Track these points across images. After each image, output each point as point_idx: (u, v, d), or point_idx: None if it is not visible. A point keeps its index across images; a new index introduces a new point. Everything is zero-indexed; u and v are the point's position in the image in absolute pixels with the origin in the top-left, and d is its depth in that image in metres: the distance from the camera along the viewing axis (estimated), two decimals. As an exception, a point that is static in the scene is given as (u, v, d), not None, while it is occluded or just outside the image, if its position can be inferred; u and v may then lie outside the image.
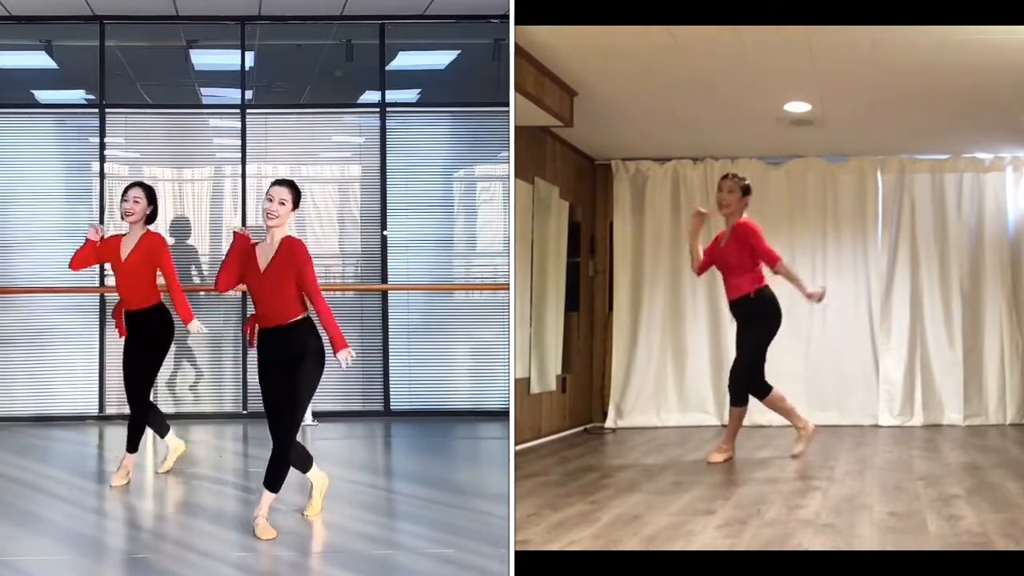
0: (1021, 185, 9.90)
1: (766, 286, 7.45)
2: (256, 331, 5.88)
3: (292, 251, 5.77)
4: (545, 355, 8.94)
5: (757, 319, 7.43)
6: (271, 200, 5.80)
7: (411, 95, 10.62)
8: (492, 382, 10.26)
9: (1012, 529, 5.20)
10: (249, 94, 10.27)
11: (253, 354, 10.02)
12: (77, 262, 7.10)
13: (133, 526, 6.29)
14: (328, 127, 10.49)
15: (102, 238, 7.04)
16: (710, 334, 9.96)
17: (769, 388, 7.52)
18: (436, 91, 10.63)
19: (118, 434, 9.43)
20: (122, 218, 7.07)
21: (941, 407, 9.77)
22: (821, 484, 6.57)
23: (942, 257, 9.88)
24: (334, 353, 5.72)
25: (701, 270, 7.69)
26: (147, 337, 7.06)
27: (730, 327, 9.85)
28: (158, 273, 7.07)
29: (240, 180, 10.19)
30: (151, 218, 7.08)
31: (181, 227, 10.11)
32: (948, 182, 9.91)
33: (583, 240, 9.99)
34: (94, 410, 9.99)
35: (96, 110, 10.12)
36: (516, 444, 7.93)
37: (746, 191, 7.43)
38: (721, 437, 7.84)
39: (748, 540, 5.01)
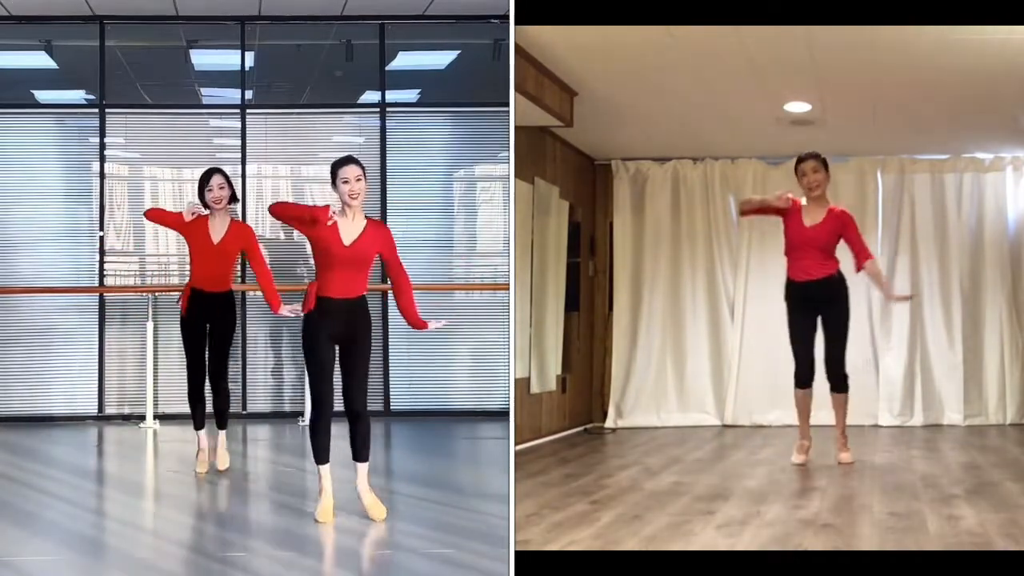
0: (1021, 185, 9.89)
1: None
2: (316, 298, 5.99)
3: (380, 233, 6.01)
4: (545, 355, 8.94)
5: (845, 298, 7.24)
6: (347, 181, 5.90)
7: (411, 95, 10.63)
8: (492, 382, 10.27)
9: (1012, 529, 5.20)
10: (249, 94, 10.28)
11: (253, 354, 10.17)
12: (156, 216, 7.43)
13: (133, 526, 6.28)
14: (328, 127, 10.49)
15: (194, 216, 7.20)
16: (710, 334, 9.95)
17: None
18: (436, 91, 10.64)
19: (117, 434, 9.46)
20: (206, 207, 7.21)
21: (941, 407, 9.76)
22: (821, 484, 6.56)
23: (942, 257, 9.87)
24: (419, 326, 6.12)
25: (746, 215, 7.35)
26: (228, 320, 7.37)
27: (730, 327, 9.92)
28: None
29: (240, 180, 10.19)
30: (231, 201, 7.29)
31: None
32: (948, 182, 9.90)
33: (583, 240, 9.99)
34: (93, 410, 9.99)
35: (96, 110, 10.13)
36: (516, 444, 7.93)
37: (827, 167, 7.22)
38: (836, 435, 7.36)
39: (748, 540, 5.01)
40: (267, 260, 7.61)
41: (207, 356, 7.41)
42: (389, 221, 10.20)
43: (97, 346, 10.03)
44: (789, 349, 9.19)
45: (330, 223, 5.88)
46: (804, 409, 7.39)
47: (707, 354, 9.96)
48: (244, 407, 10.12)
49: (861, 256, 7.24)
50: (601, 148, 9.92)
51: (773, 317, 9.63)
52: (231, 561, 5.42)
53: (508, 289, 8.60)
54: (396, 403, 10.20)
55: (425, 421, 9.95)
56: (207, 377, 7.45)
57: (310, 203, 10.24)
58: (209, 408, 7.52)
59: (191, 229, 7.22)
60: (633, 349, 10.01)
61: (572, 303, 9.63)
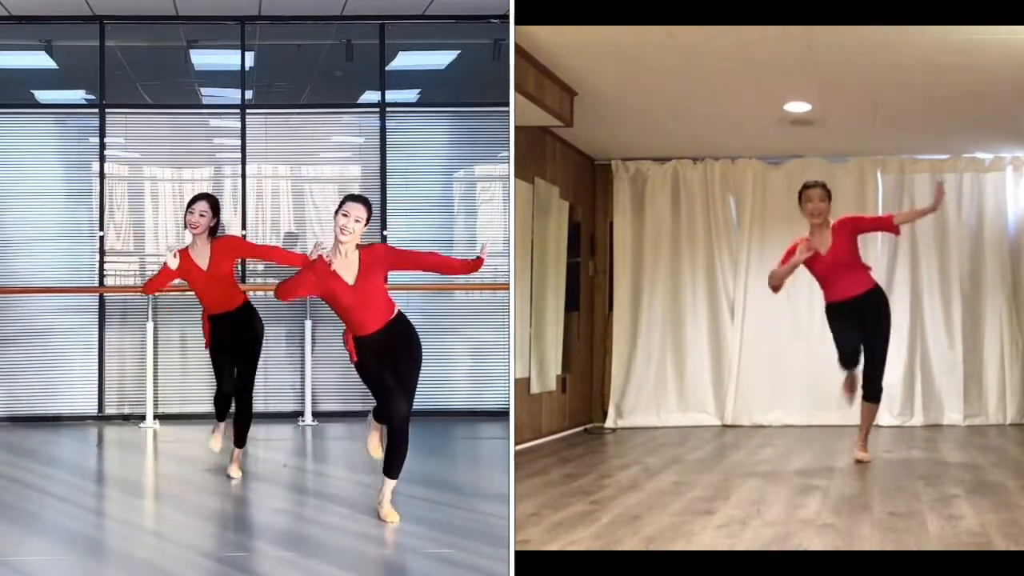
0: (1021, 185, 9.89)
1: None
2: (353, 341, 5.97)
3: (375, 256, 5.94)
4: (545, 355, 8.94)
5: (886, 310, 7.35)
6: (347, 216, 5.83)
7: (411, 95, 10.63)
8: (492, 382, 10.26)
9: (1012, 529, 5.20)
10: (249, 94, 10.28)
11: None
12: (153, 288, 7.23)
13: (133, 526, 6.28)
14: (328, 127, 10.49)
15: (176, 257, 6.93)
16: (710, 334, 9.95)
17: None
18: (436, 91, 10.64)
19: (117, 434, 9.46)
20: (185, 227, 7.01)
21: (941, 407, 9.76)
22: (821, 484, 6.57)
23: (942, 257, 9.87)
24: (475, 266, 6.31)
25: (780, 288, 7.42)
26: (251, 336, 7.15)
27: (730, 327, 9.92)
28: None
29: (240, 180, 10.19)
30: (214, 230, 7.02)
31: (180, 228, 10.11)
32: (948, 182, 9.89)
33: (583, 240, 9.98)
34: (93, 410, 9.99)
35: (96, 110, 10.13)
36: (516, 444, 7.92)
37: (831, 197, 7.29)
38: (856, 439, 7.51)
39: (748, 540, 5.01)
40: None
41: (235, 374, 7.18)
42: (389, 221, 10.21)
43: (97, 346, 10.03)
44: (789, 349, 9.22)
45: (332, 267, 5.84)
46: (851, 388, 7.38)
47: (707, 354, 9.96)
48: (244, 407, 10.11)
49: (889, 227, 7.37)
50: (601, 148, 9.92)
51: (773, 317, 9.70)
52: (231, 561, 5.42)
53: (508, 289, 8.60)
54: (396, 403, 10.18)
55: (425, 421, 9.94)
56: (233, 393, 7.24)
57: (309, 204, 10.29)
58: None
59: (182, 270, 6.94)
60: (633, 349, 10.01)
61: (572, 303, 9.63)
